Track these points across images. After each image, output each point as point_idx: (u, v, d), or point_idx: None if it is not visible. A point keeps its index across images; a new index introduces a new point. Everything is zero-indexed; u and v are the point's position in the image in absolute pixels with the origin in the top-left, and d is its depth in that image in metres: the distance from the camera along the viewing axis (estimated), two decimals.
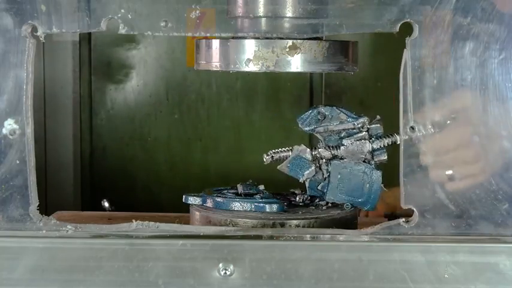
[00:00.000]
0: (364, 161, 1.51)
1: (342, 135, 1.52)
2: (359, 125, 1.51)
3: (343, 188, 1.52)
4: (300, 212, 1.53)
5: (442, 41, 1.32)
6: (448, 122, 1.37)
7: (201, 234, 1.36)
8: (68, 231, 1.35)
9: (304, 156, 1.52)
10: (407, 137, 1.35)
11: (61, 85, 3.85)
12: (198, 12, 1.37)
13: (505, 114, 1.34)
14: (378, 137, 1.51)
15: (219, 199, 1.53)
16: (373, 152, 1.51)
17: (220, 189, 1.61)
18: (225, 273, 1.30)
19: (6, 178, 1.34)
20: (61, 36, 3.68)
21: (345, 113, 1.52)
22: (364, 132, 1.51)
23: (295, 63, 1.42)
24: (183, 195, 1.58)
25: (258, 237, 1.35)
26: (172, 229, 1.37)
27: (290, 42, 1.41)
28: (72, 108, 3.87)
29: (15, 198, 1.34)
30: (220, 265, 1.30)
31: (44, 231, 1.35)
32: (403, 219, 1.36)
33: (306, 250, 1.32)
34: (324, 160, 1.53)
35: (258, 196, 1.55)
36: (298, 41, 1.41)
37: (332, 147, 1.52)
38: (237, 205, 1.52)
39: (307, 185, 1.55)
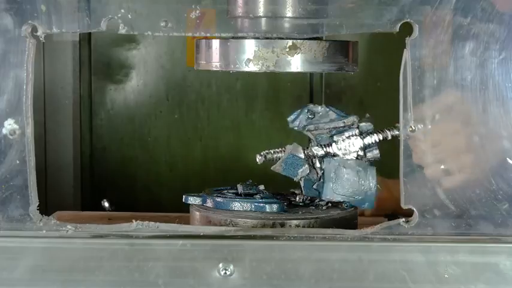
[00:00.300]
0: (357, 158, 1.51)
1: (333, 133, 1.52)
2: (349, 123, 1.51)
3: (338, 186, 1.52)
4: (300, 212, 1.53)
5: (442, 41, 1.32)
6: (437, 117, 1.38)
7: (201, 234, 1.36)
8: (68, 231, 1.35)
9: (297, 155, 1.52)
10: (407, 136, 1.35)
11: (61, 85, 3.85)
12: (198, 12, 1.37)
13: (505, 114, 1.34)
14: (369, 133, 1.51)
15: (219, 199, 1.53)
16: (365, 148, 1.51)
17: (220, 189, 1.61)
18: (225, 273, 1.30)
19: (6, 178, 1.34)
20: (61, 36, 3.68)
21: (335, 112, 1.53)
22: (354, 129, 1.51)
23: (295, 63, 1.42)
24: (183, 195, 1.58)
25: (258, 237, 1.35)
26: (172, 229, 1.37)
27: (290, 42, 1.41)
28: (72, 108, 3.87)
29: (15, 198, 1.34)
30: (220, 265, 1.30)
31: (44, 231, 1.35)
32: (403, 219, 1.36)
33: (306, 250, 1.32)
34: (317, 158, 1.53)
35: (258, 196, 1.55)
36: (298, 41, 1.41)
37: (324, 145, 1.53)
38: (237, 205, 1.52)
39: (302, 184, 1.56)
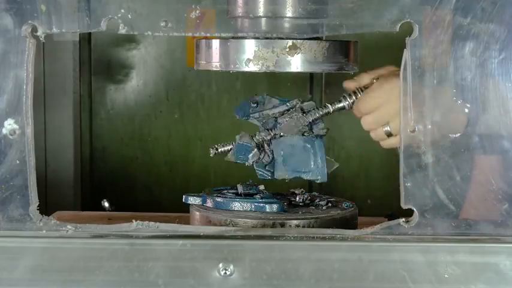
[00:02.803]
0: (303, 135, 1.56)
1: (277, 117, 1.57)
2: (292, 105, 1.56)
3: (288, 163, 1.56)
4: (300, 212, 1.53)
5: (442, 41, 1.32)
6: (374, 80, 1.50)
7: (201, 234, 1.36)
8: (68, 231, 1.35)
9: (245, 142, 1.56)
10: (408, 136, 1.35)
11: (61, 85, 3.85)
12: (198, 12, 1.37)
13: (505, 114, 1.34)
14: (311, 110, 1.56)
15: (219, 199, 1.53)
16: (310, 124, 1.56)
17: (220, 189, 1.61)
18: (225, 273, 1.30)
19: (6, 178, 1.34)
20: (61, 36, 3.68)
21: (277, 98, 1.58)
22: (297, 109, 1.56)
23: (295, 63, 1.42)
24: (183, 195, 1.58)
25: (258, 237, 1.35)
26: (172, 229, 1.36)
27: (290, 42, 1.41)
28: (72, 108, 3.87)
29: (15, 198, 1.34)
30: (220, 265, 1.30)
31: (44, 231, 1.35)
32: (403, 219, 1.36)
33: (306, 250, 1.32)
34: (265, 142, 1.57)
35: (258, 196, 1.55)
36: (298, 41, 1.41)
37: (270, 129, 1.57)
38: (237, 205, 1.52)
39: (255, 167, 1.59)
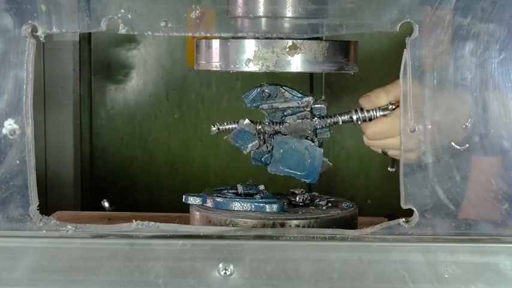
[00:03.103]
0: (306, 138, 1.56)
1: (286, 113, 1.56)
2: (303, 104, 1.55)
3: (285, 161, 1.57)
4: (300, 212, 1.53)
5: (442, 41, 1.32)
6: (391, 107, 1.48)
7: (201, 234, 1.36)
8: (68, 231, 1.35)
9: (248, 130, 1.56)
10: (407, 135, 1.35)
11: (61, 85, 3.85)
12: (198, 12, 1.37)
13: (505, 114, 1.34)
14: (321, 117, 1.55)
15: (219, 199, 1.53)
16: (316, 130, 1.55)
17: (220, 189, 1.61)
18: (225, 273, 1.30)
19: (6, 178, 1.34)
20: (61, 36, 3.68)
21: (290, 92, 1.56)
22: (306, 111, 1.54)
23: (295, 63, 1.42)
24: (183, 195, 1.58)
25: (258, 237, 1.35)
26: (172, 229, 1.36)
27: (290, 42, 1.41)
28: (72, 108, 3.88)
29: (15, 198, 1.34)
30: (220, 265, 1.30)
31: (44, 231, 1.35)
32: (403, 219, 1.36)
33: (306, 250, 1.32)
34: (267, 134, 1.58)
35: (258, 196, 1.55)
36: (298, 41, 1.41)
37: (275, 123, 1.57)
38: (237, 205, 1.52)
39: (251, 156, 1.60)
